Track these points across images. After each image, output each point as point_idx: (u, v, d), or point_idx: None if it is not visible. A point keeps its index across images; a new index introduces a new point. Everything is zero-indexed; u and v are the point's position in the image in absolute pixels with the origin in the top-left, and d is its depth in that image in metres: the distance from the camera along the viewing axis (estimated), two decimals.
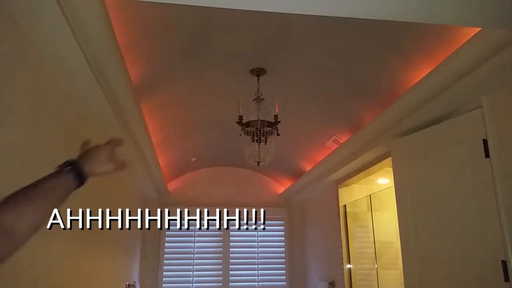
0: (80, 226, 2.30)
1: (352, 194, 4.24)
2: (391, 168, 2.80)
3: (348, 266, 4.04)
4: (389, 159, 3.03)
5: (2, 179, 1.34)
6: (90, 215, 2.51)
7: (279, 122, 2.63)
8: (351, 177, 3.87)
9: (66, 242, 2.04)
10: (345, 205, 4.21)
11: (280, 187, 5.52)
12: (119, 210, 3.42)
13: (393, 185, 2.73)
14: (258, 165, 2.72)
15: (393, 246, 3.93)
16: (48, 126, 1.76)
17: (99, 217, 2.72)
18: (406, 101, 2.49)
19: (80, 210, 2.27)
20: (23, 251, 1.49)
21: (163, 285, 4.90)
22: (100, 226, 2.71)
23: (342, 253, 4.04)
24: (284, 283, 5.19)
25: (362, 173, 3.69)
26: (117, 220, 3.52)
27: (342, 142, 3.56)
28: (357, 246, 4.15)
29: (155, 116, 3.21)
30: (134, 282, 4.10)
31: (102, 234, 2.84)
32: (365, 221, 4.22)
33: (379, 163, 3.34)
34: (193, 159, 4.89)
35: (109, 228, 2.98)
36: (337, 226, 4.14)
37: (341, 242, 4.07)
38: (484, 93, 2.08)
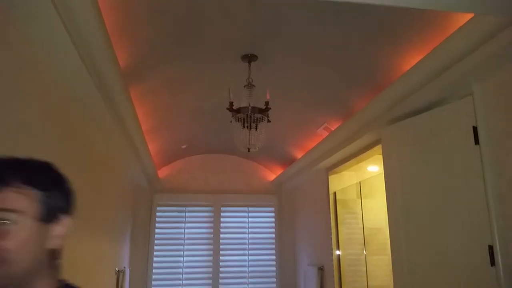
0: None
1: (342, 181, 4.27)
2: (381, 156, 2.81)
3: (337, 252, 4.08)
4: (379, 147, 3.04)
5: None
6: (80, 199, 2.48)
7: (270, 108, 2.62)
8: (342, 164, 3.89)
9: None
10: (335, 192, 4.24)
11: (271, 174, 5.53)
12: (109, 196, 3.40)
13: (383, 172, 2.75)
14: (249, 151, 2.71)
15: (382, 232, 3.98)
16: (34, 111, 1.72)
17: (89, 202, 2.70)
18: (397, 89, 2.49)
19: None
20: None
21: (153, 270, 4.91)
22: (88, 212, 2.69)
23: (331, 239, 4.08)
24: (274, 268, 5.23)
25: (352, 160, 3.70)
26: (106, 206, 3.51)
27: (333, 129, 3.56)
28: (346, 232, 4.19)
29: (144, 102, 3.17)
30: (124, 267, 4.10)
31: (91, 220, 2.83)
32: (355, 207, 4.26)
33: (369, 151, 3.35)
34: (184, 146, 4.86)
35: (98, 214, 2.96)
36: (327, 213, 4.17)
37: (331, 229, 4.10)
38: (475, 80, 2.08)
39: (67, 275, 2.16)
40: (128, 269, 4.24)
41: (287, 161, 4.84)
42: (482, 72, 2.01)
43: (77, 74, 1.95)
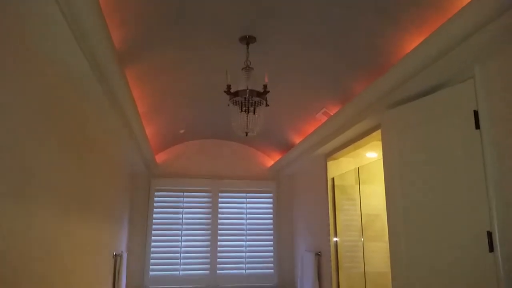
0: (65, 194, 2.26)
1: (341, 167, 4.24)
2: (380, 142, 2.78)
3: (335, 238, 4.08)
4: (378, 132, 3.01)
5: None
6: (76, 183, 2.47)
7: (268, 92, 2.58)
8: (340, 150, 3.86)
9: (49, 211, 1.99)
10: (333, 178, 4.22)
11: (269, 160, 5.51)
12: (105, 181, 3.38)
13: (382, 158, 2.72)
14: (246, 135, 2.68)
15: (380, 218, 3.97)
16: (27, 93, 1.68)
17: (85, 186, 2.68)
18: (398, 72, 2.45)
19: (65, 178, 2.22)
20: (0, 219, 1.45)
21: (151, 255, 4.92)
22: (84, 195, 2.67)
23: (329, 225, 4.07)
24: (272, 253, 5.25)
25: (351, 146, 3.67)
26: (102, 190, 3.50)
27: (332, 114, 3.52)
28: (344, 218, 4.19)
29: (140, 84, 3.12)
30: (121, 252, 4.10)
31: (88, 204, 2.81)
32: (353, 193, 4.24)
33: (368, 136, 3.32)
34: (181, 131, 4.82)
35: (94, 198, 2.94)
36: (325, 199, 4.16)
37: (329, 215, 4.09)
38: (477, 63, 2.04)
39: (64, 259, 2.16)
40: (126, 254, 4.24)
41: (286, 146, 4.81)
42: (484, 54, 1.97)
43: (70, 53, 1.90)
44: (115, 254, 3.80)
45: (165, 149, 5.25)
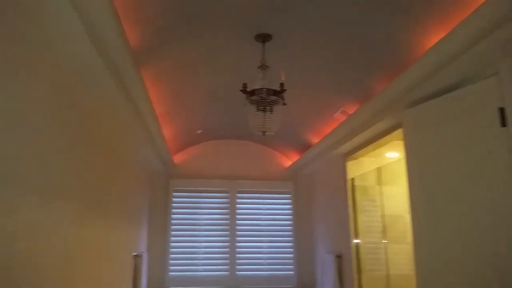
0: (85, 195, 2.27)
1: (360, 167, 4.16)
2: (401, 141, 2.70)
3: (356, 240, 4.00)
4: (399, 131, 2.93)
5: None
6: (95, 185, 2.48)
7: (286, 90, 2.53)
8: (360, 150, 3.78)
9: (69, 212, 2.00)
10: (353, 179, 4.14)
11: (287, 160, 5.46)
12: (124, 182, 3.38)
13: (403, 157, 2.65)
14: (264, 135, 2.64)
15: (402, 220, 3.88)
16: (43, 92, 1.69)
17: (105, 186, 2.69)
18: (418, 69, 2.37)
19: (85, 180, 2.23)
20: (20, 221, 1.46)
21: (171, 255, 4.94)
22: (103, 196, 2.68)
23: (349, 227, 4.00)
24: (291, 255, 5.19)
25: (371, 145, 3.60)
26: (121, 190, 3.50)
27: (350, 113, 3.45)
28: (365, 219, 4.10)
29: (157, 84, 3.12)
30: (141, 252, 4.12)
31: (108, 204, 2.83)
32: (374, 194, 4.15)
33: (388, 135, 3.24)
34: (199, 131, 4.83)
35: (113, 199, 2.95)
36: (345, 200, 4.08)
37: (349, 216, 4.02)
38: (502, 58, 1.95)
39: (83, 260, 2.17)
40: (146, 254, 4.27)
41: (303, 146, 4.75)
42: (509, 49, 1.88)
43: (85, 53, 1.91)
44: (135, 255, 3.82)
45: (183, 150, 5.27)
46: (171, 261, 4.93)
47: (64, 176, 1.95)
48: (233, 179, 5.24)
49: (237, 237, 5.11)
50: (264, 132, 2.60)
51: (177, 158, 5.22)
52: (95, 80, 2.23)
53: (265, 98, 2.54)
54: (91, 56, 1.93)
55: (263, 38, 2.68)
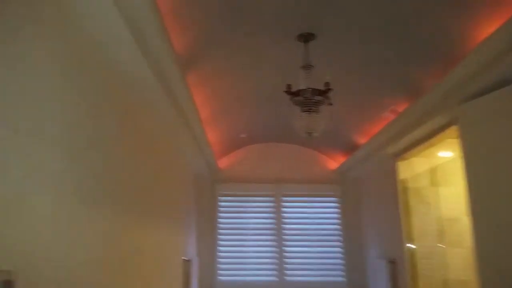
0: (134, 200, 2.31)
1: (412, 168, 3.97)
2: (455, 139, 2.53)
3: (410, 245, 3.81)
4: (453, 128, 2.76)
5: (48, 146, 1.32)
6: (147, 191, 2.51)
7: (331, 90, 2.46)
8: (410, 149, 3.61)
9: (119, 215, 2.04)
10: (404, 180, 3.96)
11: (333, 162, 5.33)
12: (172, 186, 3.40)
13: (458, 157, 2.48)
14: (309, 136, 2.58)
15: (459, 222, 3.66)
16: (93, 97, 1.73)
17: (154, 191, 2.72)
18: (473, 62, 2.22)
19: (138, 186, 2.27)
20: (72, 223, 1.49)
21: (220, 260, 4.95)
22: (153, 201, 2.71)
23: (402, 231, 3.82)
24: (341, 260, 5.04)
25: (422, 145, 3.42)
26: (170, 195, 3.53)
27: (400, 111, 3.30)
28: (419, 223, 3.90)
29: (202, 89, 3.14)
30: (191, 256, 4.16)
31: (156, 209, 2.87)
32: (427, 196, 3.94)
33: (441, 133, 3.06)
34: (242, 135, 4.82)
35: (163, 204, 2.97)
36: (396, 202, 3.91)
37: (401, 219, 3.84)
38: None
39: (135, 264, 2.19)
40: (195, 259, 4.30)
41: (349, 148, 4.61)
42: None
43: (133, 60, 1.94)
44: (185, 259, 3.86)
45: (227, 154, 5.29)
46: (220, 266, 4.95)
47: (121, 184, 1.98)
48: (278, 183, 5.19)
49: (284, 241, 5.04)
50: (309, 133, 2.54)
51: (222, 163, 5.25)
52: (144, 86, 2.27)
53: (310, 99, 2.47)
54: (140, 63, 1.96)
55: (306, 37, 2.62)
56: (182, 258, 3.82)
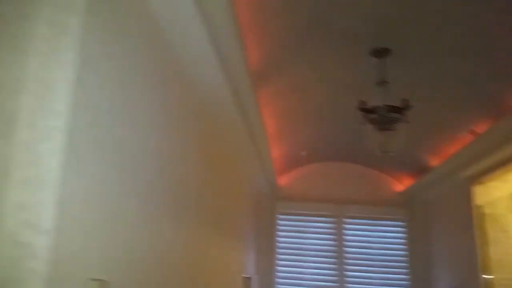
0: (205, 215, 2.31)
1: (490, 193, 3.68)
2: None
3: (486, 276, 3.51)
4: None
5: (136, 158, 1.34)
6: (214, 203, 2.51)
7: (411, 107, 2.34)
8: (489, 173, 3.35)
9: (184, 230, 2.04)
10: (480, 205, 3.67)
11: (398, 184, 5.08)
12: (235, 202, 3.38)
13: None
14: (386, 155, 2.46)
15: None
16: (177, 111, 1.77)
17: (221, 206, 2.70)
18: None
19: (206, 199, 2.28)
20: (143, 238, 1.50)
21: (278, 280, 4.84)
22: (218, 217, 2.70)
23: (477, 261, 3.52)
24: None
25: (503, 168, 3.16)
26: (233, 211, 3.52)
27: (479, 132, 3.09)
28: (497, 253, 3.58)
29: (268, 106, 3.13)
30: (251, 274, 4.11)
31: (220, 225, 2.86)
32: (507, 224, 3.62)
33: None
34: (303, 153, 4.74)
35: (226, 220, 2.96)
36: (471, 229, 3.63)
37: (476, 248, 3.55)
38: None
39: (202, 277, 2.17)
40: (255, 277, 4.24)
41: (418, 169, 4.37)
42: None
43: (213, 77, 1.96)
44: (245, 277, 3.81)
45: (287, 172, 5.22)
46: (279, 286, 4.83)
47: (196, 197, 2.00)
48: (340, 204, 5.01)
49: (346, 265, 4.83)
50: (385, 152, 2.42)
51: (281, 180, 5.19)
52: (218, 101, 2.29)
53: (386, 116, 2.37)
54: (217, 78, 1.98)
55: (381, 53, 2.54)
56: (243, 275, 3.78)
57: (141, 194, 1.35)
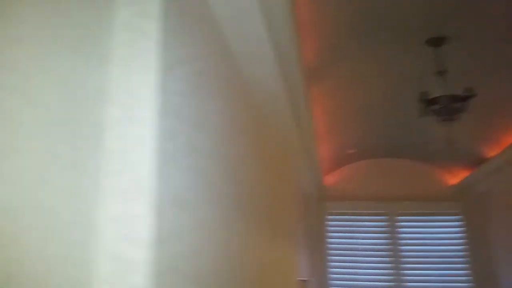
0: (261, 217, 2.27)
1: None
2: None
3: None
4: None
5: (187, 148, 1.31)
6: (268, 205, 2.46)
7: (475, 95, 2.21)
8: None
9: (247, 234, 2.00)
10: None
11: (450, 177, 4.85)
12: (286, 203, 3.29)
13: None
14: (450, 146, 2.34)
15: None
16: (235, 111, 1.73)
17: (274, 207, 2.65)
18: None
19: (261, 201, 2.24)
20: (220, 245, 1.47)
21: (332, 281, 4.73)
22: (272, 218, 2.64)
23: None
24: (466, 284, 4.51)
25: None
26: (285, 213, 3.44)
27: None
28: None
29: (317, 104, 3.06)
30: (305, 277, 4.04)
31: (274, 228, 2.80)
32: None
33: None
34: (351, 151, 4.62)
35: (280, 222, 2.89)
36: None
37: None
38: None
39: (253, 280, 2.12)
40: (310, 279, 4.17)
41: (472, 160, 4.15)
42: None
43: (270, 75, 1.92)
44: (300, 280, 3.75)
45: (334, 171, 5.10)
46: None
47: (253, 199, 1.96)
48: (391, 201, 4.84)
49: (402, 264, 4.65)
50: (451, 143, 2.31)
51: (328, 180, 5.08)
52: (272, 100, 2.24)
53: (449, 106, 2.25)
54: (273, 78, 1.93)
55: (436, 41, 2.43)
56: (299, 278, 3.72)
57: (217, 200, 1.32)
